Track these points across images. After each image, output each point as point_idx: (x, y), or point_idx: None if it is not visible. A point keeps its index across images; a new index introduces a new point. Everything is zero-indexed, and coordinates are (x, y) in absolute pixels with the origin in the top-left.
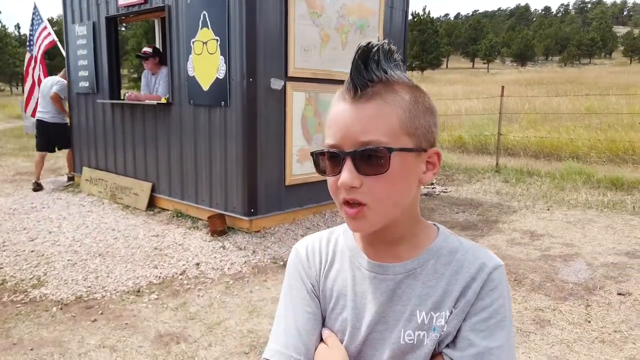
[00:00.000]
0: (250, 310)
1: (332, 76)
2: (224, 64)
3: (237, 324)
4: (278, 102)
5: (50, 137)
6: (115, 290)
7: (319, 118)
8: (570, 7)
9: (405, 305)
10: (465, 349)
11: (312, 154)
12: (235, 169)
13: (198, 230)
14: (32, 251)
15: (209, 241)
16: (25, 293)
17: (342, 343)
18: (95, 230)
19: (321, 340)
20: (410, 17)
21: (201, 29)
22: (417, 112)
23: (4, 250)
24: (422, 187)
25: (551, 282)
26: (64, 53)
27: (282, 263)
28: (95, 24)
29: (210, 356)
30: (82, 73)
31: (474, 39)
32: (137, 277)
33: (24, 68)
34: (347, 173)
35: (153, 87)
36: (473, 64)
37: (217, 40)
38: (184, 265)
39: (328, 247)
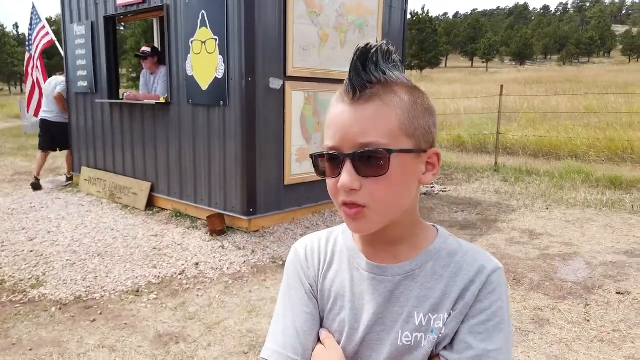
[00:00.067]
0: (250, 310)
1: (331, 75)
2: (223, 64)
3: (236, 323)
4: (277, 101)
5: (53, 136)
6: (114, 290)
7: (318, 117)
8: (569, 6)
9: (403, 307)
10: (463, 352)
11: (311, 156)
12: (234, 168)
13: (197, 230)
14: (31, 251)
15: (208, 241)
16: (24, 293)
17: (339, 344)
18: (94, 230)
19: (319, 340)
20: (409, 16)
21: (200, 28)
22: (416, 113)
23: (3, 250)
24: (422, 187)
25: (550, 281)
26: (62, 53)
27: (281, 263)
28: (94, 24)
29: (210, 356)
30: (80, 73)
31: (472, 38)
32: (136, 277)
33: (24, 68)
34: (347, 175)
35: (152, 86)
36: (472, 63)
37: (215, 39)
38: (183, 265)
39: (327, 247)
